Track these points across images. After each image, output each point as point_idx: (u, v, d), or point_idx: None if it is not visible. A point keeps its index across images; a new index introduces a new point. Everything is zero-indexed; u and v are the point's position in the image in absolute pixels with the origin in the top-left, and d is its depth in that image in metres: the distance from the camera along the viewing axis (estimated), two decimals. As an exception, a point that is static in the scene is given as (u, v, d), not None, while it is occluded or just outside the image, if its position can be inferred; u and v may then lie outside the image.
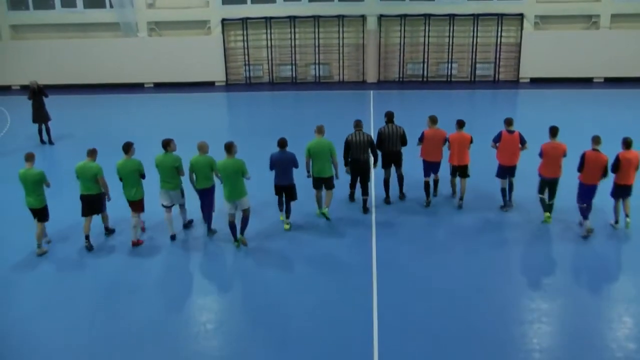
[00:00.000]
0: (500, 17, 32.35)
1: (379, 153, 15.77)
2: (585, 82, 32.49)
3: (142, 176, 13.97)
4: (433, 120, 15.56)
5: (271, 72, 34.22)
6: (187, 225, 14.81)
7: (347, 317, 11.13)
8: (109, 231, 14.55)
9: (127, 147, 13.77)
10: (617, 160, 13.70)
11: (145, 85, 34.34)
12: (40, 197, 13.55)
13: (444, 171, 15.93)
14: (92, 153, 13.73)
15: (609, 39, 32.06)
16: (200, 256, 13.74)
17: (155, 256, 13.69)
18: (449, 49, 33.01)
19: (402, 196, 16.34)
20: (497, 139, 15.16)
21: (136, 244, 13.96)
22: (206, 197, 14.18)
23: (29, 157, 13.52)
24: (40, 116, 22.73)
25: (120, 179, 13.88)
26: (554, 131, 14.27)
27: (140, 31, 33.82)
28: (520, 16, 32.40)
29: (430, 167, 15.70)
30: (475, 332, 10.60)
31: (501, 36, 32.74)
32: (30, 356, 10.31)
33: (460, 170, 15.63)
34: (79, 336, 10.79)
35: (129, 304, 11.80)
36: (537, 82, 32.70)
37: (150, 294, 12.16)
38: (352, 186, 15.92)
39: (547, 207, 14.47)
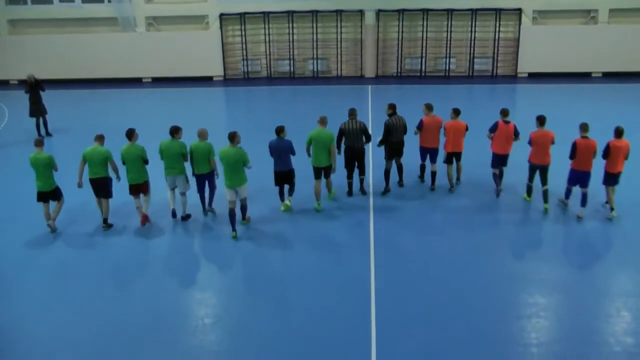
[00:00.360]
0: (498, 12, 32.33)
1: (375, 148, 16.42)
2: (583, 76, 32.49)
3: (145, 162, 14.52)
4: (429, 107, 16.10)
5: (269, 67, 34.21)
6: (185, 217, 15.03)
7: (346, 292, 11.70)
8: (107, 224, 14.76)
9: (131, 133, 14.38)
10: (608, 147, 14.18)
11: (143, 80, 34.33)
12: (49, 180, 14.20)
13: (440, 161, 16.42)
14: (100, 138, 14.44)
15: (607, 34, 32.04)
16: (202, 237, 14.32)
17: (158, 237, 14.30)
18: (447, 43, 32.98)
19: (401, 184, 16.69)
20: (494, 128, 15.63)
21: (144, 220, 14.59)
22: (203, 181, 14.79)
23: (39, 143, 14.26)
24: (38, 110, 22.76)
25: (124, 163, 14.43)
26: (542, 120, 14.90)
27: (139, 26, 33.78)
28: (519, 11, 32.36)
29: (428, 153, 16.25)
30: (466, 303, 11.24)
31: (499, 31, 32.72)
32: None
33: (455, 157, 16.22)
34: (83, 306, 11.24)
35: (134, 281, 12.51)
36: (536, 77, 32.69)
37: (156, 271, 12.87)
38: (350, 176, 16.09)
39: (543, 196, 15.01)
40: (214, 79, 34.26)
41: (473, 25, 32.64)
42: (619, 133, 14.14)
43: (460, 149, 16.07)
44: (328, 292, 11.76)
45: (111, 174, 14.58)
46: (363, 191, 16.22)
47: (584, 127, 14.22)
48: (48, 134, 22.88)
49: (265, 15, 33.13)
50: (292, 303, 11.45)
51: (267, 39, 33.67)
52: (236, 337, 10.57)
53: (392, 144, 15.99)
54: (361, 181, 16.19)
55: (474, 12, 32.40)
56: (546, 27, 32.71)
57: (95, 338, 10.51)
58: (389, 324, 10.64)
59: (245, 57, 33.94)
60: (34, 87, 22.69)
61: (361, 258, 12.96)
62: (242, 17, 33.21)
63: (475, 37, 32.86)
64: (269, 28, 33.46)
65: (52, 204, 14.67)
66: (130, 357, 10.04)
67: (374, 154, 18.06)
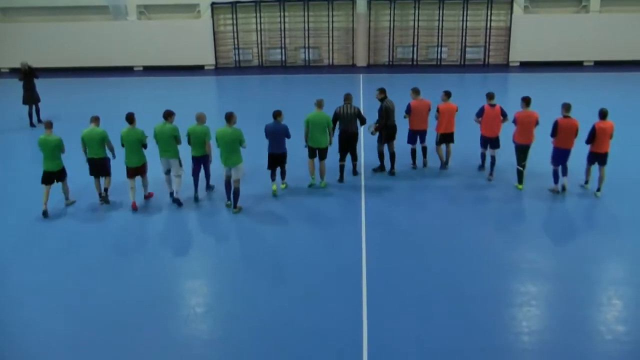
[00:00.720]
0: (490, 1, 32.33)
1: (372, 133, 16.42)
2: (575, 65, 32.55)
3: (144, 145, 14.76)
4: (416, 91, 16.44)
5: (261, 56, 34.18)
6: (178, 202, 14.96)
7: (338, 264, 11.98)
8: (105, 198, 15.09)
9: (131, 117, 14.61)
10: (593, 129, 14.50)
11: (135, 69, 34.26)
12: (57, 161, 14.54)
13: (430, 141, 16.83)
14: (95, 119, 14.76)
15: (599, 23, 32.07)
16: (197, 215, 14.58)
17: (157, 214, 14.64)
18: (438, 32, 32.99)
19: (393, 172, 16.71)
20: (480, 113, 15.94)
21: (148, 196, 15.19)
22: (199, 164, 14.95)
23: (48, 125, 14.57)
24: (31, 97, 22.73)
25: (122, 145, 14.65)
26: (527, 101, 15.28)
27: (130, 14, 33.70)
28: (510, 0, 32.45)
29: (417, 135, 16.60)
30: (454, 276, 11.56)
31: (491, 20, 32.73)
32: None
33: (447, 137, 16.57)
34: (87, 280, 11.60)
35: (134, 255, 12.80)
36: (527, 66, 32.74)
37: (154, 246, 13.19)
38: (342, 159, 16.23)
39: (519, 173, 15.49)
40: (206, 67, 34.21)
41: (465, 14, 32.65)
42: (603, 115, 14.49)
43: (452, 130, 16.49)
44: (320, 265, 12.02)
45: (108, 154, 14.92)
46: (355, 172, 16.56)
47: (566, 107, 14.61)
48: (40, 121, 22.79)
49: (257, 4, 33.08)
50: (285, 276, 11.71)
51: (259, 28, 33.61)
52: (230, 307, 10.74)
53: (389, 128, 16.27)
54: (354, 166, 16.54)
55: (465, 1, 32.41)
56: (538, 15, 32.73)
57: (94, 312, 10.59)
58: (378, 280, 11.24)
59: (236, 46, 33.88)
60: (27, 75, 22.65)
61: (354, 233, 13.27)
62: (234, 6, 33.15)
63: (466, 26, 32.88)
64: (260, 17, 33.41)
65: (54, 193, 14.81)
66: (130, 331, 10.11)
67: (365, 137, 18.19)
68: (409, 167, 16.90)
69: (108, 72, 33.50)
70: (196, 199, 15.09)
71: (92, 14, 33.94)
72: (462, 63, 33.47)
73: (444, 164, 16.86)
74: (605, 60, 32.59)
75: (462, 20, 32.79)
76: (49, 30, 33.59)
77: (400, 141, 16.71)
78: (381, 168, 16.69)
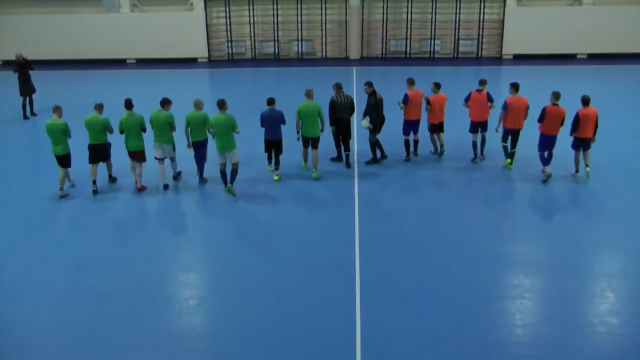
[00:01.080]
0: (483, -7, 32.34)
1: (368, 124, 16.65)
2: (568, 58, 32.57)
3: (143, 129, 15.34)
4: (411, 82, 16.79)
5: (254, 49, 34.11)
6: (177, 176, 16.09)
7: (332, 242, 12.57)
8: (112, 179, 16.01)
9: (129, 103, 15.18)
10: (577, 116, 15.04)
11: (128, 61, 34.16)
12: (64, 145, 15.03)
13: (422, 131, 17.22)
14: (99, 107, 15.21)
15: (592, 16, 32.07)
16: (193, 198, 15.21)
17: (154, 198, 15.17)
18: (431, 25, 32.96)
19: (385, 156, 17.11)
20: (468, 97, 16.64)
21: (140, 189, 15.41)
22: (199, 149, 15.52)
23: (56, 109, 15.08)
24: (27, 89, 22.75)
25: (122, 132, 15.24)
26: (516, 87, 15.86)
27: (123, 7, 33.60)
28: (503, -8, 32.38)
29: (412, 125, 16.90)
30: (441, 249, 12.31)
31: (484, 12, 32.69)
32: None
33: (438, 127, 17.02)
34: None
35: (133, 235, 13.39)
36: (520, 59, 32.73)
37: (152, 228, 13.84)
38: (337, 145, 16.89)
39: (510, 155, 16.21)
40: (199, 60, 34.15)
41: (458, 6, 32.62)
42: (585, 102, 15.00)
43: (442, 119, 16.95)
44: (313, 245, 12.50)
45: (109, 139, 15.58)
46: (348, 165, 16.75)
47: (555, 95, 15.06)
48: (33, 113, 22.85)
49: (250, -4, 33.02)
50: (280, 256, 12.09)
51: (252, 21, 33.54)
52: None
53: (382, 119, 16.60)
54: (347, 157, 16.79)
55: (458, -6, 32.39)
56: (531, 8, 32.71)
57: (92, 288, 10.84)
58: (371, 259, 11.77)
59: (229, 39, 33.81)
60: (22, 67, 22.67)
61: (346, 214, 13.84)
62: (227, -2, 33.09)
63: (460, 19, 32.85)
64: (253, 9, 33.34)
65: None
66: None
67: (358, 125, 18.22)
68: (400, 156, 17.11)
69: (101, 64, 33.42)
70: (203, 180, 15.82)
71: (85, 6, 33.88)
72: (455, 56, 33.45)
73: (439, 151, 17.24)
74: (599, 53, 32.59)
75: (455, 13, 32.75)
76: (42, 23, 33.51)
77: (389, 128, 17.06)
78: (374, 160, 16.88)
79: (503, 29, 32.81)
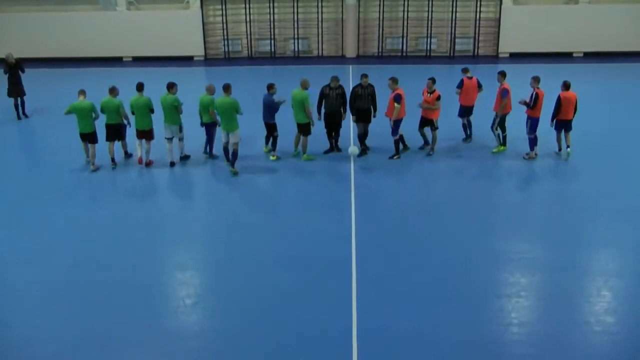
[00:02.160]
0: (479, -8, 32.33)
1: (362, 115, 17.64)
2: (564, 56, 32.58)
3: (152, 110, 16.79)
4: (395, 81, 17.09)
5: (250, 47, 34.07)
6: (184, 158, 17.47)
7: (329, 221, 13.48)
8: (128, 155, 17.67)
9: (141, 86, 16.81)
10: (559, 99, 16.44)
11: (124, 59, 34.09)
12: (90, 123, 16.56)
13: (413, 126, 17.79)
14: (113, 90, 16.72)
15: (589, 14, 32.08)
16: (198, 175, 16.80)
17: (161, 174, 16.80)
18: (428, 23, 32.95)
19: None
20: (460, 85, 18.02)
21: (148, 163, 17.06)
22: (209, 129, 17.07)
23: (82, 92, 16.64)
24: (17, 91, 22.41)
25: (133, 113, 16.79)
26: (504, 74, 17.34)
27: (119, 5, 33.51)
28: (500, -10, 32.37)
29: (400, 123, 17.17)
30: (434, 228, 13.16)
31: (480, 11, 32.70)
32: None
33: (430, 123, 17.47)
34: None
35: (142, 205, 14.97)
36: (517, 57, 32.71)
37: (159, 197, 15.68)
38: (330, 136, 17.78)
39: (502, 141, 17.53)
40: (195, 58, 34.10)
41: (454, 4, 32.61)
42: (566, 86, 16.48)
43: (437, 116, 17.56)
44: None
45: (124, 121, 16.93)
46: (337, 148, 17.91)
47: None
48: (25, 114, 22.65)
49: (246, -5, 32.96)
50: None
51: (248, 19, 33.48)
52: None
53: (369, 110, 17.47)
54: (335, 141, 17.83)
55: (455, -8, 32.37)
56: (527, 6, 32.70)
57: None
58: (366, 240, 12.51)
59: (226, 37, 33.77)
60: (13, 68, 22.27)
61: (343, 195, 14.78)
62: (223, -3, 33.03)
63: (456, 17, 32.85)
64: (249, 7, 33.28)
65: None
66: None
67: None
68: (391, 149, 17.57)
69: (97, 62, 33.32)
70: (213, 156, 17.50)
71: (81, 4, 33.77)
72: (452, 54, 33.45)
73: (430, 150, 17.64)
74: (595, 52, 32.62)
75: (452, 11, 32.75)
76: (37, 20, 33.35)
77: (378, 128, 17.73)
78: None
79: (499, 28, 32.81)
